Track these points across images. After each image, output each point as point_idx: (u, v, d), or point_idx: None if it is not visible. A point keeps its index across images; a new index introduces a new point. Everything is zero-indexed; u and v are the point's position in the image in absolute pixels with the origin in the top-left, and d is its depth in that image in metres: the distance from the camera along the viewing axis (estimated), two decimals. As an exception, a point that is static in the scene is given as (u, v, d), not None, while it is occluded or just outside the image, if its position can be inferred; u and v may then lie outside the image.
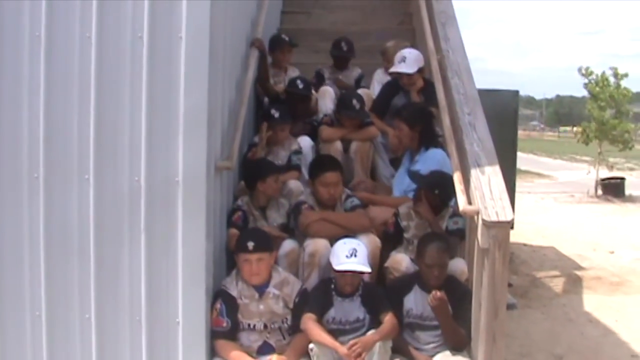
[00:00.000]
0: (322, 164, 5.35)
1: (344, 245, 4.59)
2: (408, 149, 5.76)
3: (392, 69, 6.47)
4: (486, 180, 4.59)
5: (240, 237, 4.67)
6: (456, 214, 4.94)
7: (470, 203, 4.55)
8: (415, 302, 4.66)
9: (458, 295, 4.61)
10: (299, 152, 5.95)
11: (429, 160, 5.50)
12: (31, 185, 4.25)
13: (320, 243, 4.91)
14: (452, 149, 5.12)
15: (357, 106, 6.12)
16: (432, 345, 4.63)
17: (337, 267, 4.53)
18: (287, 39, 7.14)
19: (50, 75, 4.20)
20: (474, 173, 4.68)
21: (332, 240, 4.85)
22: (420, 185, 5.21)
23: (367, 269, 4.56)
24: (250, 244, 4.49)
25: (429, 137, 5.70)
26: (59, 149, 4.23)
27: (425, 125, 5.71)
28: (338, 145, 6.11)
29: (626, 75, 22.37)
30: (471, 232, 4.77)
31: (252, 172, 5.37)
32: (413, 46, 7.20)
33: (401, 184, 5.69)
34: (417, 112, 5.79)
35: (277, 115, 5.89)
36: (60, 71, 4.20)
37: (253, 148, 5.80)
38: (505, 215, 4.25)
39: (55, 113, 4.21)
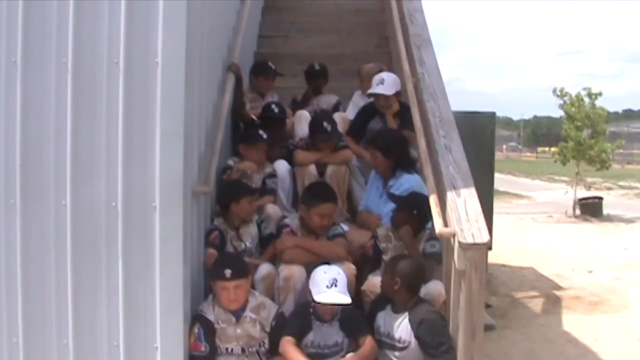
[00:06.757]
0: (320, 194, 5.27)
1: (324, 275, 4.56)
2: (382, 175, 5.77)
3: (370, 90, 6.49)
4: (462, 202, 4.63)
5: (217, 264, 4.65)
6: (433, 237, 4.95)
7: (446, 225, 4.58)
8: (384, 321, 4.67)
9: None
10: (273, 175, 5.99)
11: (403, 186, 5.52)
12: (8, 211, 4.24)
13: (295, 267, 4.93)
14: (429, 172, 5.15)
15: (329, 128, 6.14)
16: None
17: (317, 298, 4.50)
18: (273, 67, 7.17)
19: (27, 101, 4.19)
20: (450, 195, 4.71)
21: (307, 266, 4.87)
22: (399, 205, 5.22)
23: (348, 300, 4.54)
24: (228, 272, 4.49)
25: (404, 164, 5.73)
26: (35, 174, 4.22)
27: (401, 153, 5.75)
28: (312, 169, 6.12)
29: (600, 94, 22.45)
30: (448, 254, 4.79)
31: (226, 194, 5.39)
32: (390, 70, 7.24)
33: (378, 207, 5.69)
34: (392, 140, 5.81)
35: (265, 136, 5.99)
36: (36, 97, 4.19)
37: (228, 170, 5.82)
38: (482, 237, 4.28)
39: (32, 138, 4.21)
